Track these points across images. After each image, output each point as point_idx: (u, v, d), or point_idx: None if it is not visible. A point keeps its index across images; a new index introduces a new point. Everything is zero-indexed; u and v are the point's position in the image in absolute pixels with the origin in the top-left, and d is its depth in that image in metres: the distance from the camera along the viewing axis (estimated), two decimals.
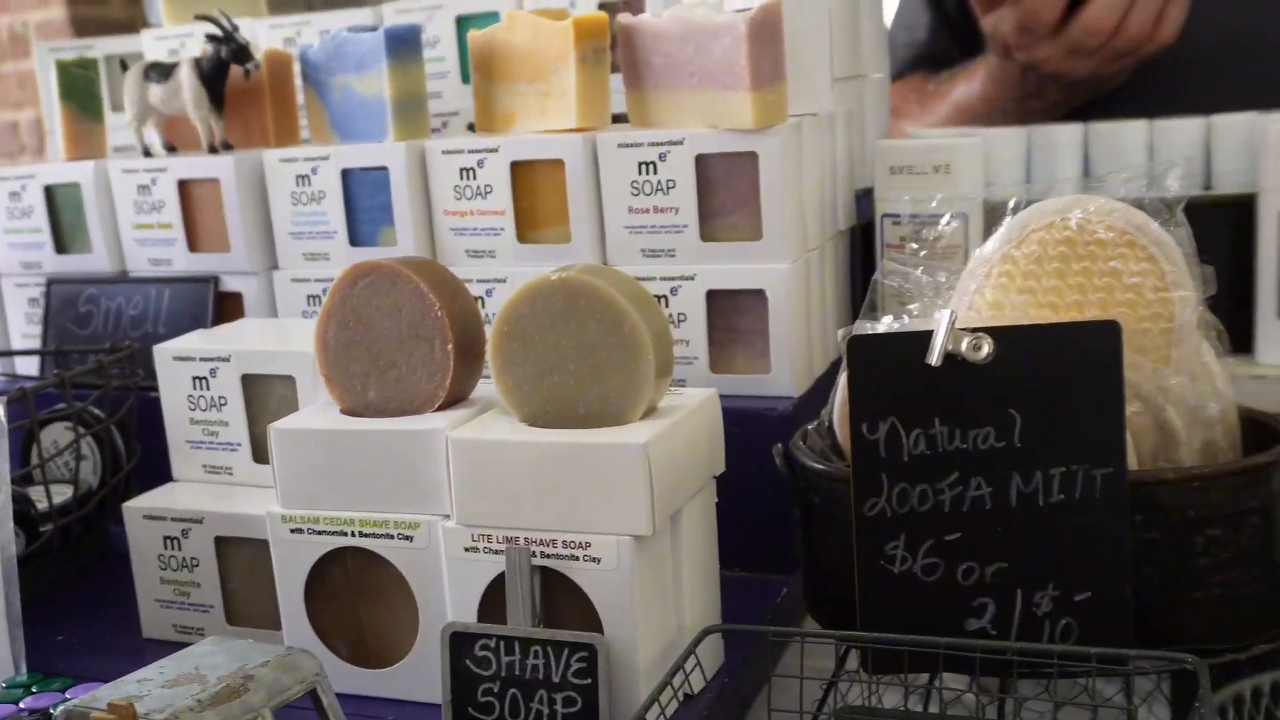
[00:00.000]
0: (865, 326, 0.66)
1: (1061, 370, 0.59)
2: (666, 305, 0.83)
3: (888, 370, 0.60)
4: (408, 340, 0.65)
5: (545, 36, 0.87)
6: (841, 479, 0.63)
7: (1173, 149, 0.91)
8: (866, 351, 0.61)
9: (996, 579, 0.60)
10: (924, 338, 0.60)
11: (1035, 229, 0.66)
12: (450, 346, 0.64)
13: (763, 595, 0.77)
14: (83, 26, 2.43)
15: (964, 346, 0.59)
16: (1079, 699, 0.60)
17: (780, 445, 0.68)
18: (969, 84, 1.17)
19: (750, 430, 0.78)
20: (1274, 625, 0.64)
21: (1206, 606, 0.62)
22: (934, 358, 0.59)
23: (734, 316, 0.82)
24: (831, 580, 0.66)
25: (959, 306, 0.68)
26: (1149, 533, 0.61)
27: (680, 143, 0.81)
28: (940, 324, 0.60)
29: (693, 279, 0.82)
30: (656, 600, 0.61)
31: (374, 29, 0.93)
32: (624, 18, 0.85)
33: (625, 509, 0.58)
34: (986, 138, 0.93)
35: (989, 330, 0.60)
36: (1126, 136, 0.92)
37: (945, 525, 0.60)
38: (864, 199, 0.97)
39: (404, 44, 0.92)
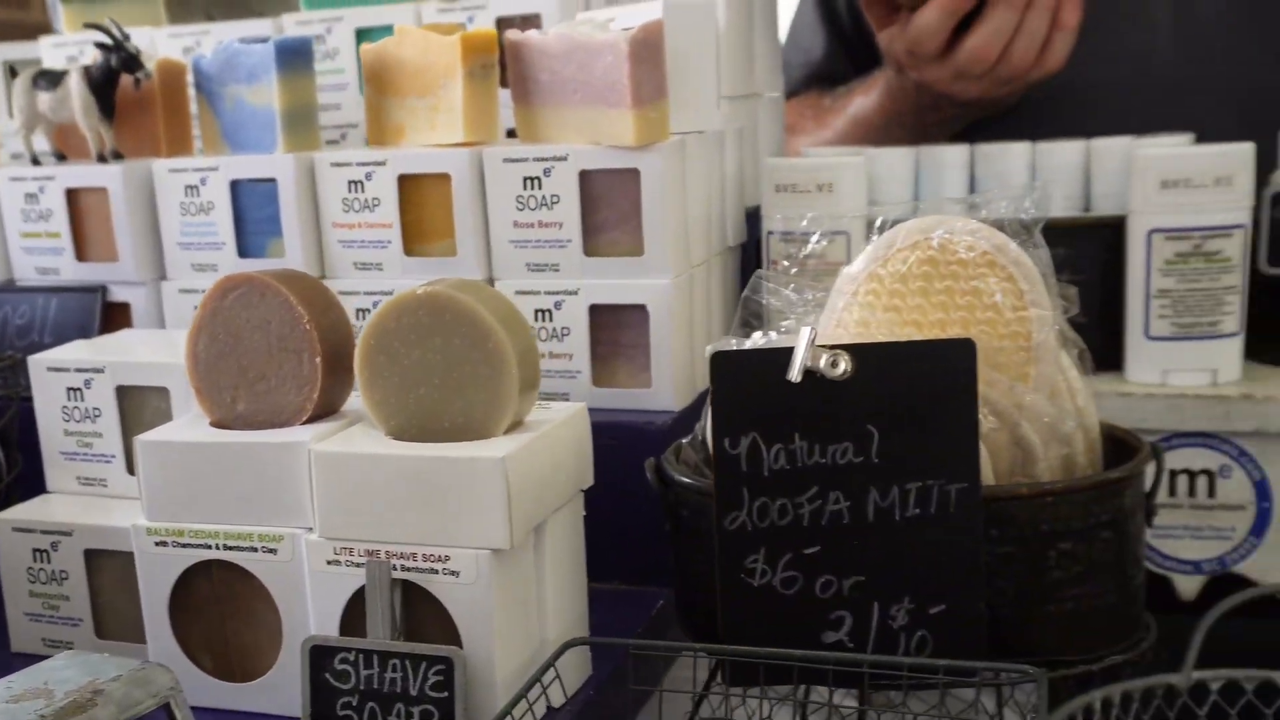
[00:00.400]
0: (731, 343, 0.67)
1: (918, 387, 0.60)
2: (550, 319, 0.83)
3: (750, 386, 0.61)
4: (277, 353, 0.65)
5: (434, 51, 0.87)
6: (708, 493, 0.63)
7: (1055, 171, 0.93)
8: (729, 367, 0.62)
9: (854, 592, 0.61)
10: (785, 354, 0.61)
11: (900, 248, 0.68)
12: (318, 359, 0.64)
13: (641, 607, 0.77)
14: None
15: (822, 363, 0.60)
16: (933, 711, 0.61)
17: (652, 459, 0.69)
18: (866, 97, 1.19)
19: (630, 443, 0.79)
20: (1125, 637, 0.66)
21: (1059, 619, 0.63)
22: (793, 374, 0.60)
23: (617, 331, 0.83)
24: (699, 593, 0.66)
25: (828, 324, 0.70)
26: (1003, 547, 0.62)
27: (564, 159, 0.81)
28: (800, 341, 0.61)
29: (576, 293, 0.82)
30: (517, 614, 0.61)
31: (266, 40, 0.93)
32: (512, 34, 0.86)
33: (484, 523, 0.58)
34: (872, 157, 0.95)
35: (847, 348, 0.61)
36: (1010, 158, 0.94)
37: (804, 539, 0.61)
38: (756, 216, 0.98)
39: (295, 56, 0.92)
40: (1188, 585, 0.83)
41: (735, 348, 0.65)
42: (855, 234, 0.87)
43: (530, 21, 0.97)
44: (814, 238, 0.80)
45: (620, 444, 0.78)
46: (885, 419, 0.61)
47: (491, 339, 0.60)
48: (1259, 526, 0.81)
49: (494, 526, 0.58)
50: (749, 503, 0.61)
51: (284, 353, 0.65)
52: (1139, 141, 0.89)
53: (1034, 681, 0.57)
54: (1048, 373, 0.66)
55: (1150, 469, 0.66)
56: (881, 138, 1.16)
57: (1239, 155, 0.79)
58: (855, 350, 0.61)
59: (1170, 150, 0.81)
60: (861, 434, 0.61)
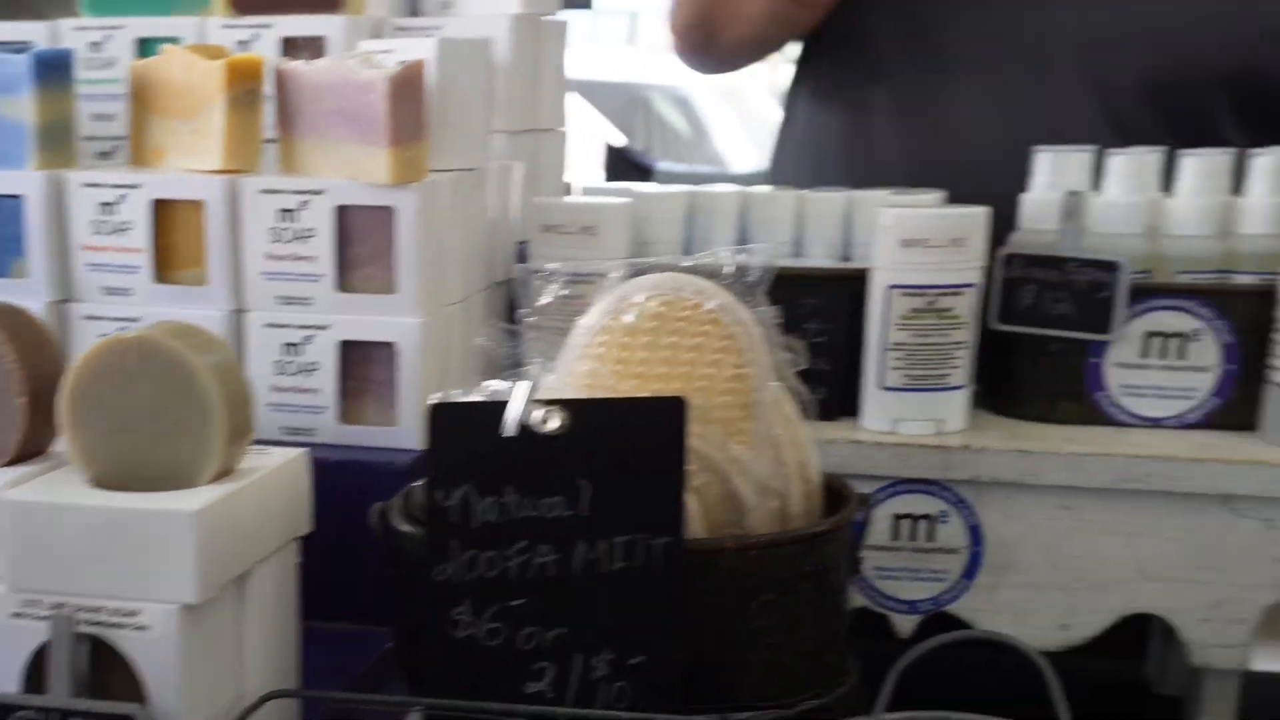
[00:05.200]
0: (456, 393, 0.67)
1: (629, 443, 0.62)
2: (299, 354, 0.83)
3: (467, 438, 0.62)
4: None
5: (198, 74, 0.86)
6: (423, 542, 0.64)
7: (819, 220, 0.97)
8: (447, 419, 0.63)
9: (557, 644, 0.63)
10: (503, 407, 0.62)
11: (632, 302, 0.69)
12: (23, 400, 0.63)
13: (371, 649, 0.77)
14: None
15: (536, 418, 0.61)
16: None
17: (379, 505, 0.70)
18: None
19: (373, 482, 0.79)
20: (826, 682, 0.69)
21: (759, 667, 0.66)
22: (508, 428, 0.62)
23: (367, 367, 0.83)
24: (415, 642, 0.67)
25: (562, 374, 0.71)
26: (709, 598, 0.65)
27: (321, 192, 0.81)
28: (515, 395, 0.62)
29: (327, 329, 0.83)
30: (209, 668, 0.61)
31: (25, 48, 0.90)
32: (281, 63, 0.85)
33: (174, 576, 0.58)
34: (642, 199, 0.97)
35: (563, 402, 0.62)
36: (779, 205, 0.97)
37: (511, 591, 0.62)
38: None
39: (53, 69, 0.89)
40: (904, 624, 0.87)
41: (461, 398, 0.66)
42: (616, 279, 0.89)
43: (316, 44, 0.96)
44: (573, 281, 0.81)
45: (363, 482, 0.78)
46: (596, 473, 0.62)
47: (198, 386, 0.59)
48: (971, 569, 0.86)
49: (184, 580, 0.58)
50: (458, 554, 0.62)
51: None
52: (890, 198, 0.92)
53: None
54: (764, 428, 0.68)
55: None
56: None
57: (974, 218, 0.84)
58: (570, 405, 0.62)
59: (910, 211, 0.84)
60: (573, 488, 0.62)
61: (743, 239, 0.98)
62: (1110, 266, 0.84)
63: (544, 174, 1.04)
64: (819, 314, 0.89)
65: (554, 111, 1.05)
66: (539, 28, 0.99)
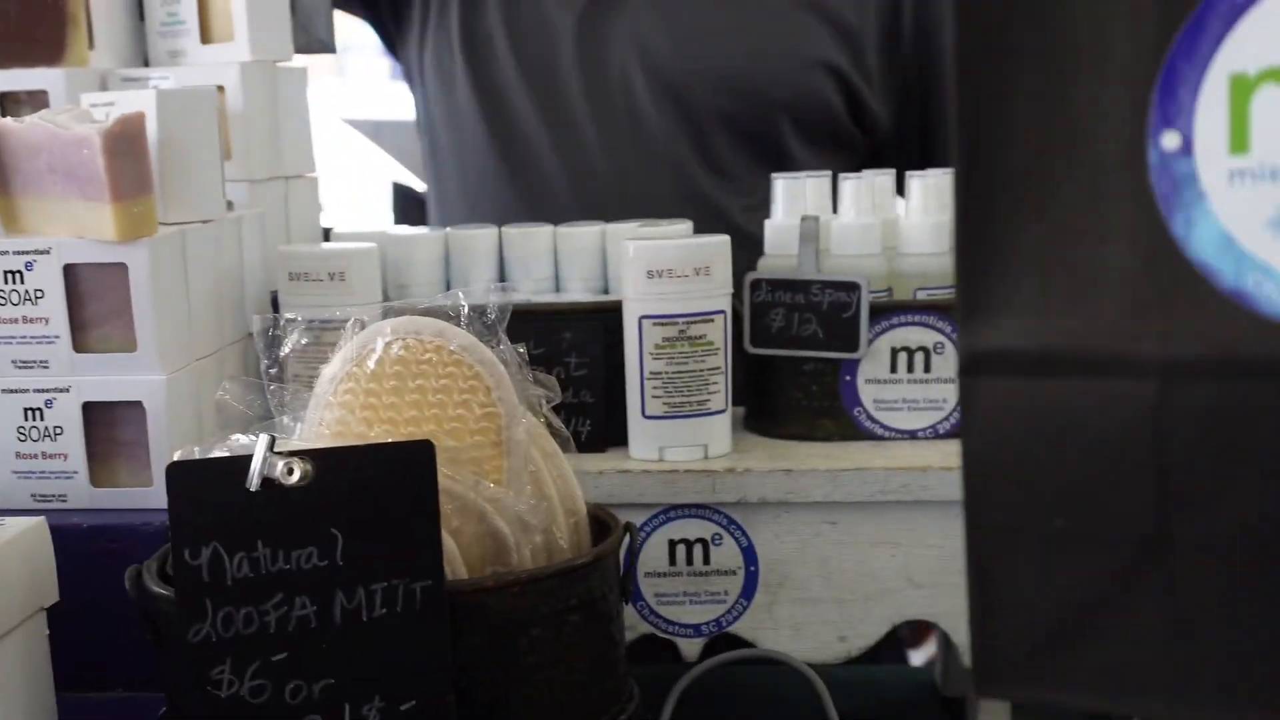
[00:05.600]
0: (194, 450, 0.66)
1: (379, 489, 0.62)
2: (41, 419, 0.79)
3: (210, 496, 0.61)
4: None
5: None
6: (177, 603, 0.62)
7: (575, 254, 0.98)
8: (186, 478, 0.61)
9: (324, 695, 0.61)
10: (245, 462, 0.61)
11: (373, 348, 0.69)
12: None
13: (142, 717, 0.74)
14: None
15: (278, 471, 0.60)
16: None
17: (134, 568, 0.67)
18: None
19: (131, 546, 0.76)
20: (604, 711, 0.69)
21: (535, 701, 0.66)
22: (252, 483, 0.60)
23: (114, 429, 0.80)
24: (178, 706, 0.65)
25: (311, 424, 0.70)
26: (475, 638, 0.64)
27: (47, 252, 0.78)
28: (257, 448, 0.60)
29: (68, 391, 0.79)
30: None
31: None
32: None
33: None
34: (397, 241, 0.96)
35: (308, 453, 0.61)
36: (535, 240, 0.98)
37: (272, 646, 0.61)
38: None
39: None
40: (690, 648, 0.88)
41: (202, 455, 0.64)
42: (355, 325, 0.87)
43: (37, 98, 0.93)
44: (313, 329, 0.80)
45: (120, 546, 0.76)
46: (348, 522, 0.61)
47: None
48: (748, 589, 0.87)
49: None
50: (212, 614, 0.61)
51: None
52: (638, 230, 0.94)
53: None
54: (518, 466, 0.68)
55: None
56: None
57: (716, 246, 0.86)
58: (315, 455, 0.61)
59: (654, 243, 0.86)
60: (325, 538, 0.61)
61: (502, 277, 0.99)
62: (850, 287, 0.87)
63: (295, 221, 1.02)
64: (577, 348, 0.90)
65: (300, 157, 1.03)
66: (274, 74, 0.97)
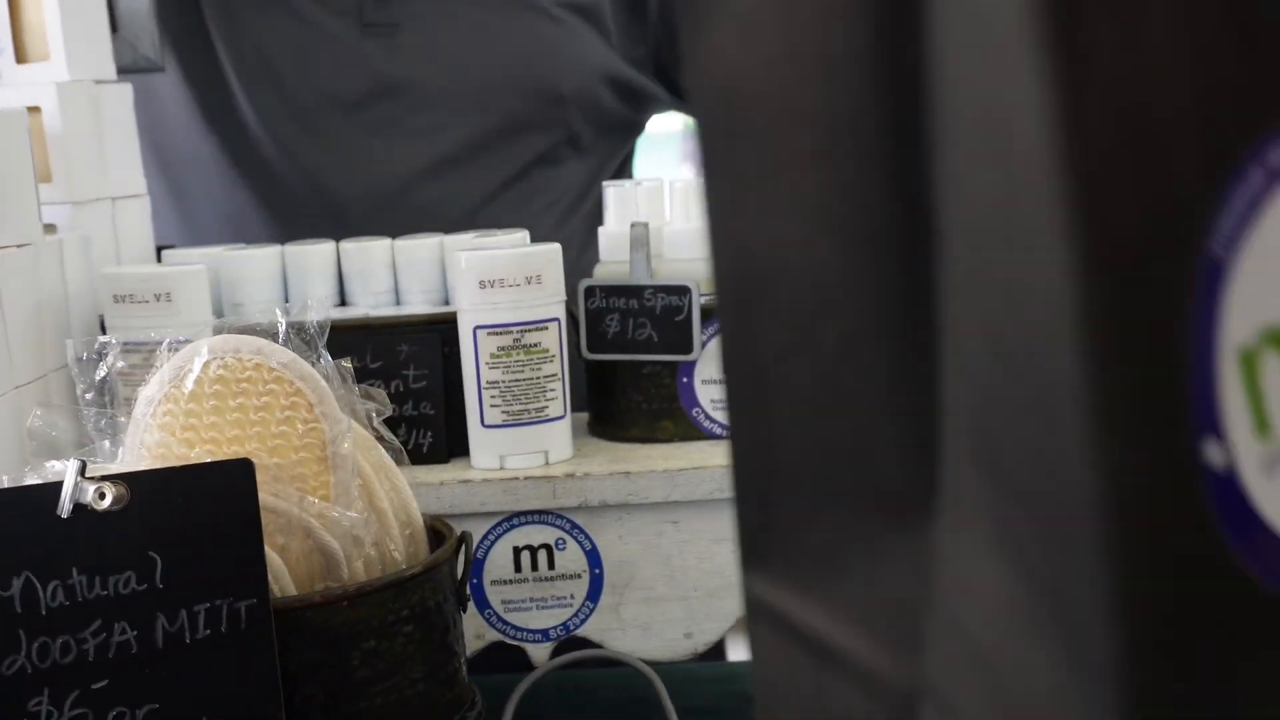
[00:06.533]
0: (3, 480, 0.64)
1: (199, 509, 0.61)
2: None
3: (19, 525, 0.59)
4: None
5: None
6: None
7: (414, 265, 0.98)
8: None
9: None
10: (55, 489, 0.60)
11: (190, 368, 0.68)
12: None
13: None
14: None
15: (90, 496, 0.59)
16: None
17: None
18: None
19: None
20: (446, 719, 0.69)
21: (372, 715, 0.66)
22: (63, 509, 0.59)
23: None
24: None
25: (131, 447, 0.69)
26: (307, 654, 0.64)
27: None
28: (67, 474, 0.59)
29: None
30: None
31: None
32: None
33: None
34: (233, 259, 0.95)
35: (122, 476, 0.60)
36: (372, 255, 0.97)
37: (91, 674, 0.60)
38: None
39: None
40: (539, 653, 0.88)
41: (10, 483, 0.63)
42: (170, 346, 0.86)
43: None
44: (129, 351, 0.79)
45: None
46: (168, 544, 0.61)
47: None
48: (594, 591, 0.88)
49: None
50: (27, 645, 0.59)
51: None
52: (473, 241, 0.94)
53: None
54: (345, 480, 0.68)
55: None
56: None
57: (546, 255, 0.87)
58: (130, 478, 0.60)
59: (484, 253, 0.86)
60: (144, 561, 0.60)
61: (341, 291, 0.98)
62: (682, 290, 0.89)
63: (125, 243, 1.00)
64: (415, 360, 0.90)
65: (128, 177, 1.01)
66: (96, 95, 0.95)
